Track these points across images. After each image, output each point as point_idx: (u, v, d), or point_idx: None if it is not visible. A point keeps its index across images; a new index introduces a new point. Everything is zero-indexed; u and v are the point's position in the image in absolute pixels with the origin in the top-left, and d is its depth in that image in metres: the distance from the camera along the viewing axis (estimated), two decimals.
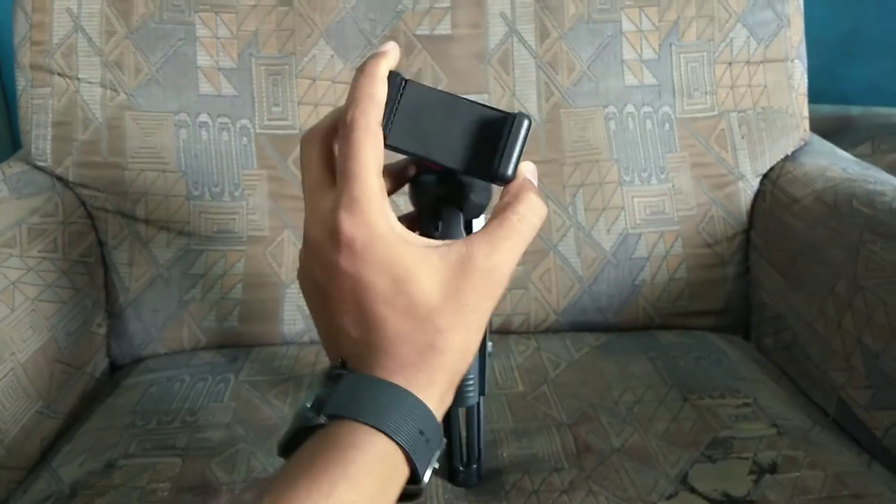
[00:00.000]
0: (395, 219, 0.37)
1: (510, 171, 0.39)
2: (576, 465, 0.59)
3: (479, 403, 0.55)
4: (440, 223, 0.44)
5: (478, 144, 0.40)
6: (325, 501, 0.32)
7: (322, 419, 0.35)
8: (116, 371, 0.82)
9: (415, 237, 0.38)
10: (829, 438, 0.64)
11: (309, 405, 0.36)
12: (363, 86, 0.38)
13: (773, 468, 0.59)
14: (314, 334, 0.83)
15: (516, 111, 0.40)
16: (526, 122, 0.40)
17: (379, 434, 0.34)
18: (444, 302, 0.36)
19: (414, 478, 0.36)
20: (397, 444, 0.34)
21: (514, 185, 0.39)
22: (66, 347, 0.73)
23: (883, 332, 0.65)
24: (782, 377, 0.76)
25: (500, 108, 0.42)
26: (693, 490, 0.56)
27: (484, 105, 0.41)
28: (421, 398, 0.36)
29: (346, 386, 0.36)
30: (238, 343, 0.82)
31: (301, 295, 0.82)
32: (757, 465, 0.59)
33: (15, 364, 0.66)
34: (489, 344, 0.53)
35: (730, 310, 0.86)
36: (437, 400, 0.37)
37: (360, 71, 0.39)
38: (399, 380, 0.36)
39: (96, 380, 0.78)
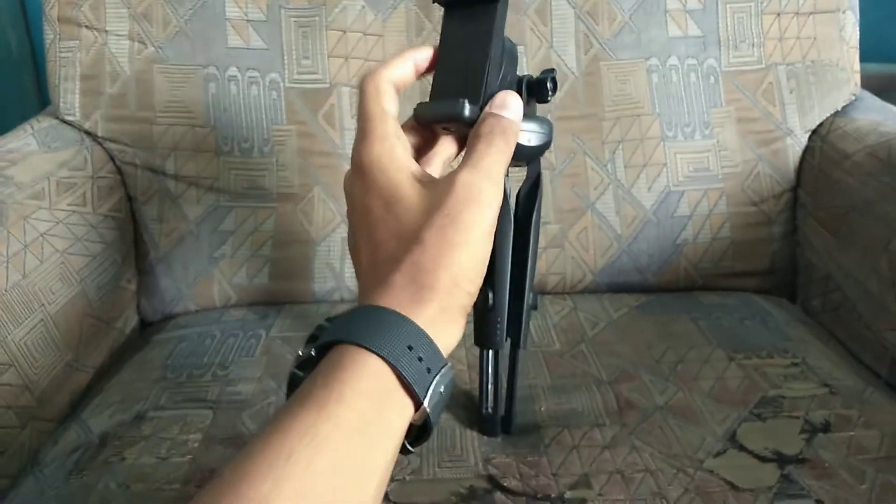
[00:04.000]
0: (406, 154, 0.40)
1: (465, 112, 0.41)
2: (617, 421, 0.57)
3: (513, 353, 0.53)
4: None
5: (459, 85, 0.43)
6: (316, 420, 0.31)
7: (312, 351, 0.36)
8: (147, 328, 0.81)
9: (415, 168, 0.40)
10: (884, 398, 0.61)
11: (305, 345, 0.38)
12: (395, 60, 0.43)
13: (825, 427, 0.56)
14: (345, 292, 0.81)
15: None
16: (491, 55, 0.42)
17: (362, 350, 0.34)
18: (426, 219, 0.37)
19: (419, 404, 0.35)
20: (381, 357, 0.34)
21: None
22: (96, 301, 0.72)
23: None
24: (831, 339, 0.73)
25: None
26: (742, 448, 0.54)
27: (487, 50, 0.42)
28: (407, 314, 0.36)
29: (339, 319, 0.37)
30: (269, 300, 0.81)
31: (331, 253, 0.81)
32: (809, 423, 0.56)
33: (45, 315, 0.65)
34: (530, 295, 0.51)
35: (775, 271, 0.83)
36: (427, 318, 0.36)
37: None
38: (386, 301, 0.37)
39: (126, 336, 0.78)
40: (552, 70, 0.48)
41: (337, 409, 0.32)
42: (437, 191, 0.38)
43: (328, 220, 0.81)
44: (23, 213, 0.67)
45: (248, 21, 0.81)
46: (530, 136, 0.45)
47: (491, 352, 0.52)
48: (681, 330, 0.71)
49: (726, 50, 0.83)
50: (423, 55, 0.44)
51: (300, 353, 0.37)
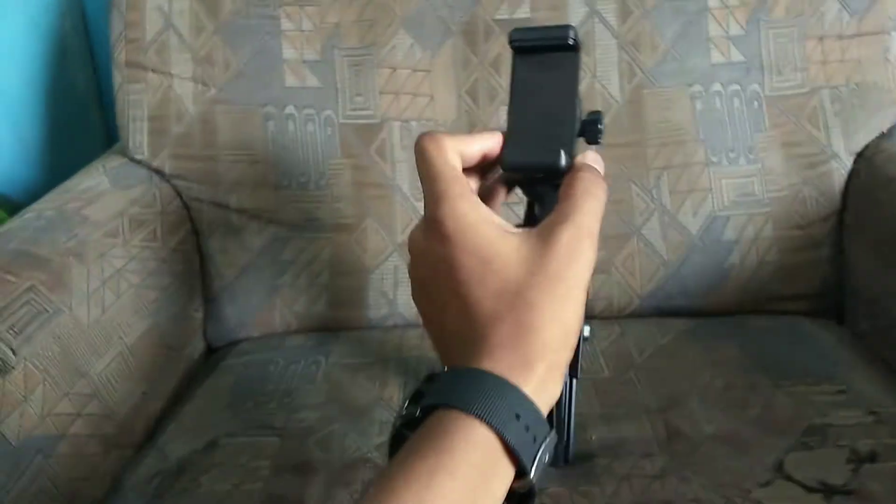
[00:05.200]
0: (485, 208, 0.40)
1: (562, 162, 0.41)
2: (667, 450, 0.59)
3: (571, 385, 0.55)
4: (536, 206, 0.44)
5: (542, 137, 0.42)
6: (425, 492, 0.31)
7: (417, 412, 0.36)
8: (213, 353, 0.85)
9: (501, 222, 0.39)
10: None
11: (407, 403, 0.37)
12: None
13: (872, 457, 0.57)
14: (398, 318, 0.85)
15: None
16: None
17: (471, 418, 0.34)
18: (530, 276, 0.37)
19: (522, 472, 0.35)
20: (491, 427, 0.33)
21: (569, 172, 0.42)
22: (168, 331, 0.77)
23: None
24: (878, 362, 0.73)
25: (583, 94, 0.44)
26: (789, 478, 0.55)
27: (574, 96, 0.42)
28: (515, 382, 0.35)
29: (443, 379, 0.37)
30: (326, 327, 0.84)
31: (384, 281, 0.84)
32: (855, 453, 0.58)
33: (122, 348, 0.70)
34: (586, 328, 0.53)
35: (823, 294, 0.83)
36: (535, 384, 0.35)
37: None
38: (491, 363, 0.36)
39: (194, 361, 0.82)
40: (598, 112, 0.47)
41: (446, 481, 0.32)
42: (537, 246, 0.38)
43: (381, 249, 0.84)
44: (100, 250, 0.72)
45: (303, 62, 0.85)
46: None
47: None
48: (728, 355, 0.72)
49: (770, 75, 0.84)
50: (493, 143, 0.43)
51: (404, 410, 0.37)
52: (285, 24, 0.85)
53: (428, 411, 0.35)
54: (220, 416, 0.68)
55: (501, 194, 0.46)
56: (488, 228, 0.38)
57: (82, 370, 0.64)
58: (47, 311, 0.63)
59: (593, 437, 0.61)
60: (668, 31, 0.84)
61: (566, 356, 0.37)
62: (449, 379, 0.36)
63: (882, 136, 0.84)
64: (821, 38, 0.84)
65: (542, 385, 0.36)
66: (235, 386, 0.73)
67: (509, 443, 0.33)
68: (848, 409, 0.63)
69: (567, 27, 0.42)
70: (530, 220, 0.45)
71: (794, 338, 0.76)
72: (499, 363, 0.35)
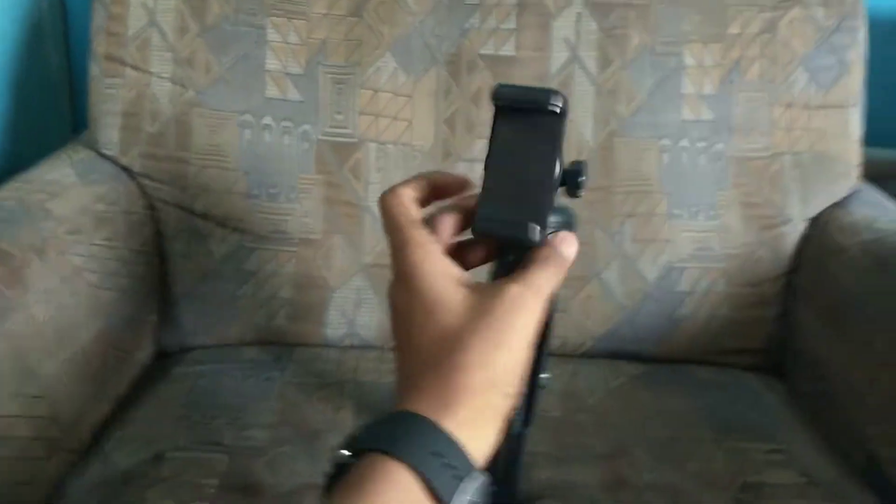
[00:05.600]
0: (441, 259, 0.41)
1: (534, 237, 0.41)
2: (611, 497, 0.61)
3: (521, 433, 0.55)
4: (497, 264, 0.44)
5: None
6: None
7: (346, 457, 0.36)
8: (164, 358, 0.84)
9: (457, 273, 0.41)
10: (858, 493, 0.65)
11: (342, 445, 0.38)
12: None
13: None
14: (356, 339, 0.85)
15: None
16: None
17: (389, 459, 0.34)
18: (467, 323, 0.38)
19: None
20: (409, 466, 0.34)
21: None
22: (122, 334, 0.76)
23: None
24: (815, 423, 0.77)
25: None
26: None
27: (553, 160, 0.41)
28: (437, 420, 0.36)
29: (373, 422, 0.38)
30: (282, 341, 0.84)
31: (346, 300, 0.84)
32: None
33: (75, 349, 0.68)
34: (544, 375, 0.53)
35: (768, 351, 0.87)
36: (458, 421, 0.36)
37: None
38: (416, 404, 0.37)
39: (144, 366, 0.81)
40: (581, 162, 0.45)
41: None
42: (484, 297, 0.39)
43: (346, 268, 0.85)
44: (61, 247, 0.71)
45: (286, 74, 0.85)
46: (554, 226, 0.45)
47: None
48: (675, 406, 0.75)
49: (736, 136, 0.87)
50: (443, 181, 0.45)
51: (336, 455, 0.37)
52: (272, 35, 0.85)
53: (358, 454, 0.36)
54: (168, 426, 0.68)
55: (480, 252, 0.45)
56: (439, 278, 0.40)
57: (33, 371, 0.63)
58: (2, 308, 0.61)
59: (543, 477, 0.62)
60: (645, 83, 0.87)
61: (497, 402, 0.38)
62: (377, 424, 0.37)
63: (836, 205, 0.88)
64: (788, 106, 0.88)
65: (469, 426, 0.37)
66: (186, 396, 0.73)
67: (432, 482, 0.34)
68: (783, 470, 0.66)
69: (554, 93, 0.42)
70: (495, 278, 0.44)
71: (738, 392, 0.79)
72: (422, 403, 0.37)
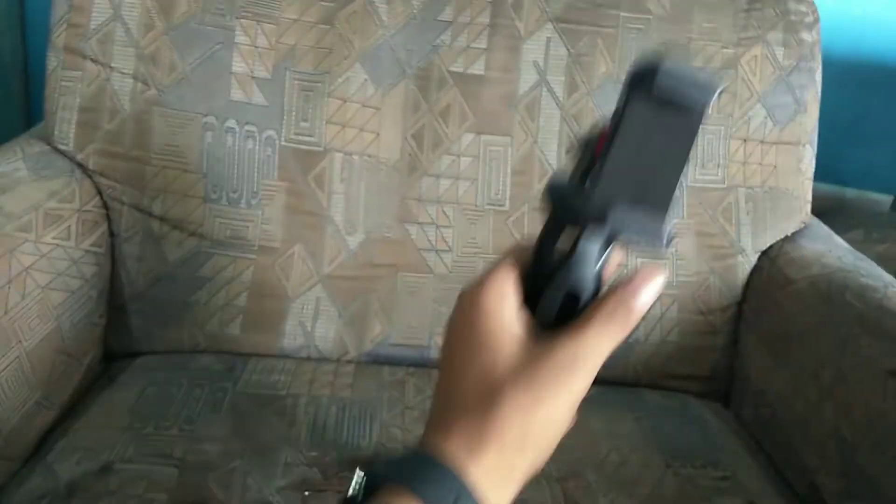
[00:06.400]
0: (512, 305, 0.38)
1: (663, 245, 0.35)
2: None
3: None
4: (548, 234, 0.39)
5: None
6: None
7: (361, 483, 0.37)
8: (110, 363, 0.81)
9: (520, 324, 0.38)
10: None
11: (363, 477, 0.38)
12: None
13: None
14: (313, 351, 0.84)
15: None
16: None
17: (409, 494, 0.34)
18: (514, 371, 0.36)
19: None
20: (414, 494, 0.34)
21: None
22: (69, 338, 0.73)
23: (860, 427, 0.68)
24: (759, 450, 0.79)
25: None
26: None
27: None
28: (462, 464, 0.35)
29: (400, 458, 0.37)
30: (236, 350, 0.83)
31: (304, 311, 0.83)
32: None
33: (20, 353, 0.66)
34: None
35: (714, 377, 0.89)
36: (481, 470, 0.35)
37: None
38: (446, 444, 0.36)
39: (91, 370, 0.78)
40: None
41: None
42: (536, 348, 0.37)
43: (305, 278, 0.84)
44: (10, 245, 0.68)
45: (252, 77, 0.83)
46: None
47: None
48: (625, 429, 0.76)
49: (693, 167, 0.89)
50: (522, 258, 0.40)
51: (355, 480, 0.37)
52: (240, 37, 0.83)
53: (376, 486, 0.36)
54: (116, 437, 0.65)
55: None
56: (500, 322, 0.38)
57: None
58: None
59: None
60: (610, 111, 0.88)
61: (523, 463, 0.36)
62: (404, 458, 0.37)
63: (787, 238, 0.91)
64: (744, 140, 0.91)
65: (491, 477, 0.36)
66: (135, 405, 0.71)
67: None
68: (730, 497, 0.68)
69: (715, 86, 0.36)
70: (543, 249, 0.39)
71: (686, 418, 0.81)
72: (451, 443, 0.36)
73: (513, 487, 0.37)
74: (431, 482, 0.35)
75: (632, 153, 0.35)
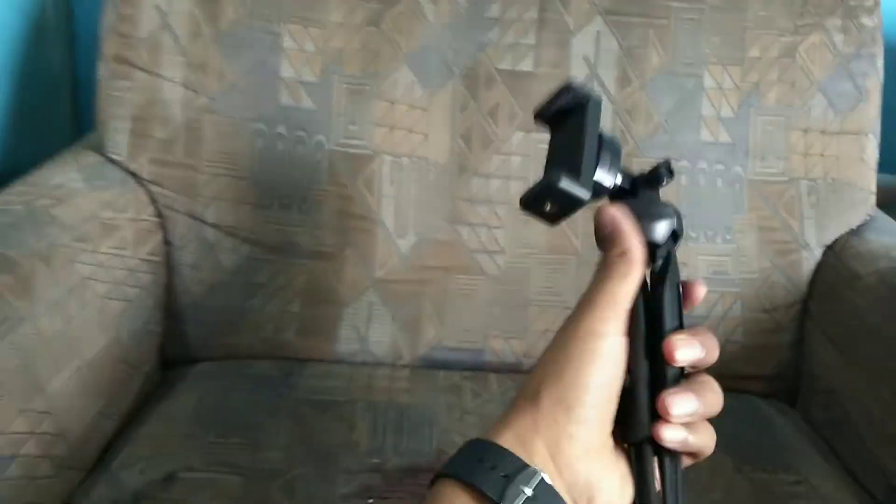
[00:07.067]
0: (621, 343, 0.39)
1: (561, 184, 0.40)
2: None
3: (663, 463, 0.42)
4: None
5: None
6: None
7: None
8: (168, 371, 0.82)
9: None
10: None
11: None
12: None
13: None
14: (367, 356, 0.83)
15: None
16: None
17: (444, 477, 0.36)
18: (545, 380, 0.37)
19: None
20: (456, 478, 0.35)
21: None
22: (128, 347, 0.73)
23: None
24: (831, 454, 0.76)
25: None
26: None
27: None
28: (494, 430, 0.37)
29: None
30: (291, 356, 0.82)
31: (358, 315, 0.82)
32: None
33: (82, 363, 0.66)
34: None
35: (780, 377, 0.86)
36: (515, 429, 0.37)
37: None
38: (501, 433, 0.37)
39: (150, 379, 0.79)
40: (667, 161, 0.45)
41: None
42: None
43: (358, 282, 0.83)
44: (69, 256, 0.69)
45: (301, 82, 0.83)
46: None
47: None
48: None
49: (754, 160, 0.87)
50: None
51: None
52: (287, 42, 0.83)
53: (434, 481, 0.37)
54: (178, 445, 0.65)
55: None
56: (589, 332, 0.38)
57: (40, 385, 0.60)
58: (10, 319, 0.59)
59: None
60: (663, 104, 0.86)
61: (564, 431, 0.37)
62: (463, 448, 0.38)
63: (852, 232, 0.88)
64: (805, 131, 0.88)
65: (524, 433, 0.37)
66: (195, 413, 0.70)
67: (477, 485, 0.35)
68: (806, 502, 0.65)
69: (566, 89, 0.43)
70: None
71: (753, 419, 0.78)
72: (501, 437, 0.37)
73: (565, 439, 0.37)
74: (460, 459, 0.36)
75: (555, 153, 0.44)
